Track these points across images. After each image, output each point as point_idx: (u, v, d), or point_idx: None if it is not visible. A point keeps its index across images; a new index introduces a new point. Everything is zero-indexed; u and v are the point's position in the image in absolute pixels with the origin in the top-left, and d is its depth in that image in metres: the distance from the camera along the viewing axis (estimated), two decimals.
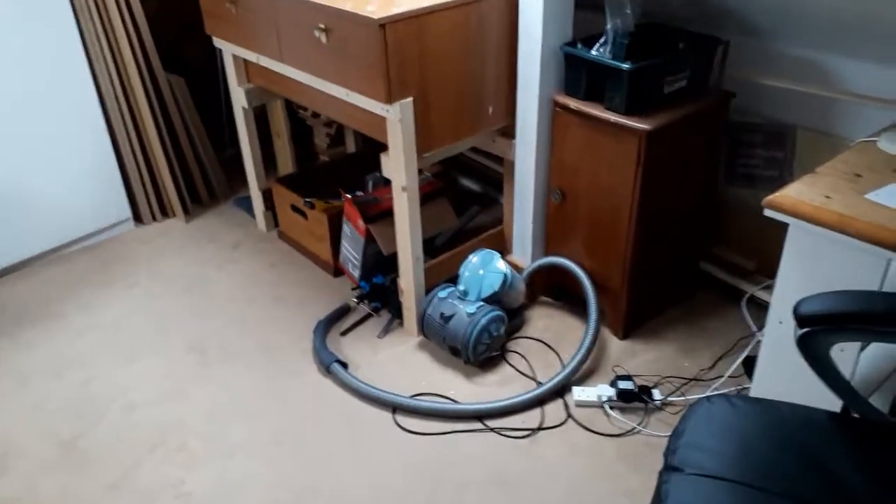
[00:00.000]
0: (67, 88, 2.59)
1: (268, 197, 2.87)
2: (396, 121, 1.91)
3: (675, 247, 2.26)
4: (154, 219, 3.00)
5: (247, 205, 3.08)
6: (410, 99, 1.91)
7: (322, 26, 1.92)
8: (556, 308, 2.42)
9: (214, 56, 3.38)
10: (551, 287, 2.43)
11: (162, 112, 2.86)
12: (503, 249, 2.53)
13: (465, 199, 3.04)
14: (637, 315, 2.25)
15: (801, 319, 1.07)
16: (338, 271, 2.63)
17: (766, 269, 2.33)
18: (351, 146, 3.18)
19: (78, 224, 2.80)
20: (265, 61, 2.31)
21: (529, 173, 2.23)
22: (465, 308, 2.12)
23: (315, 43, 1.98)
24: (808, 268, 1.44)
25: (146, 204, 2.96)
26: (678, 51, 2.01)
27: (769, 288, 2.30)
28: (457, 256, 2.35)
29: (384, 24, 1.76)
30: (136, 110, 2.79)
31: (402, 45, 1.83)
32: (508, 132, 2.26)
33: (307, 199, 2.57)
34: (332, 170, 3.02)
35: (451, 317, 2.12)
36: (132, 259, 2.78)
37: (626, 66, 1.87)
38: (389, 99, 1.86)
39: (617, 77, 1.90)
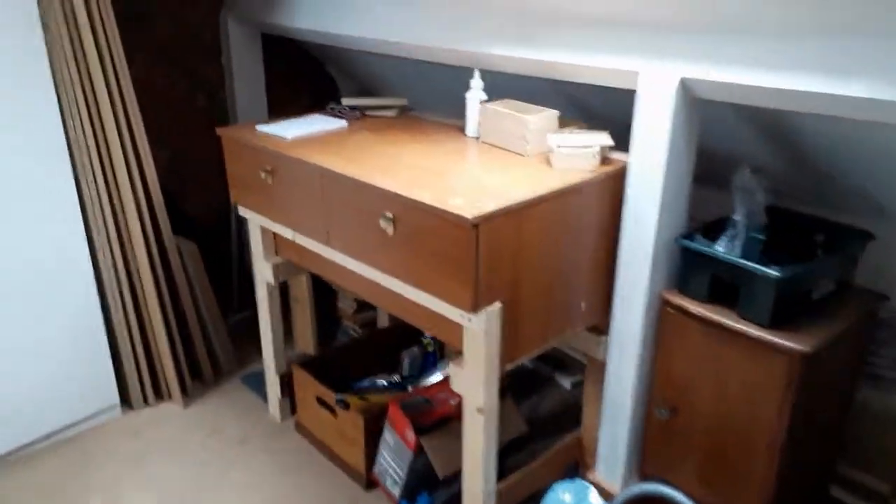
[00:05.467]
0: (56, 246, 2.16)
1: (285, 382, 2.40)
2: (480, 331, 1.50)
3: (809, 472, 1.82)
4: (146, 402, 2.50)
5: (256, 383, 2.60)
6: (499, 305, 1.51)
7: (390, 216, 1.55)
8: None
9: (227, 212, 3.04)
10: None
11: (167, 279, 2.44)
12: (580, 462, 2.07)
13: (523, 379, 2.61)
14: None
15: None
16: (370, 482, 2.13)
17: None
18: (384, 314, 2.76)
19: (51, 414, 2.29)
20: (304, 240, 1.92)
21: (627, 381, 1.81)
22: None
23: (376, 232, 1.60)
24: None
25: (138, 386, 2.47)
26: (829, 249, 1.66)
27: None
28: (531, 478, 1.89)
29: (478, 224, 1.38)
30: (135, 277, 2.36)
31: (497, 246, 1.45)
32: (598, 327, 1.86)
33: (339, 397, 2.10)
34: (361, 347, 2.58)
35: None
36: (116, 460, 2.25)
37: (774, 272, 1.50)
38: (475, 307, 1.46)
39: (759, 283, 1.52)
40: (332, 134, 2.03)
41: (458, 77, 2.01)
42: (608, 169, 1.67)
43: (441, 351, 2.64)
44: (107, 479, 2.18)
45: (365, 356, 2.52)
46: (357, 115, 2.23)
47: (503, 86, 1.97)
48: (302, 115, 2.21)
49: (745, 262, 1.55)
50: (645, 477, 1.90)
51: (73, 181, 2.15)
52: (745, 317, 1.57)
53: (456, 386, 1.63)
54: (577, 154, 1.64)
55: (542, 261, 1.58)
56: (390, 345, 2.56)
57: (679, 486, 1.78)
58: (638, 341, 1.76)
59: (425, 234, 1.50)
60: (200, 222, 2.87)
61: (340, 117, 2.19)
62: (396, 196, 1.52)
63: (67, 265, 2.20)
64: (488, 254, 1.43)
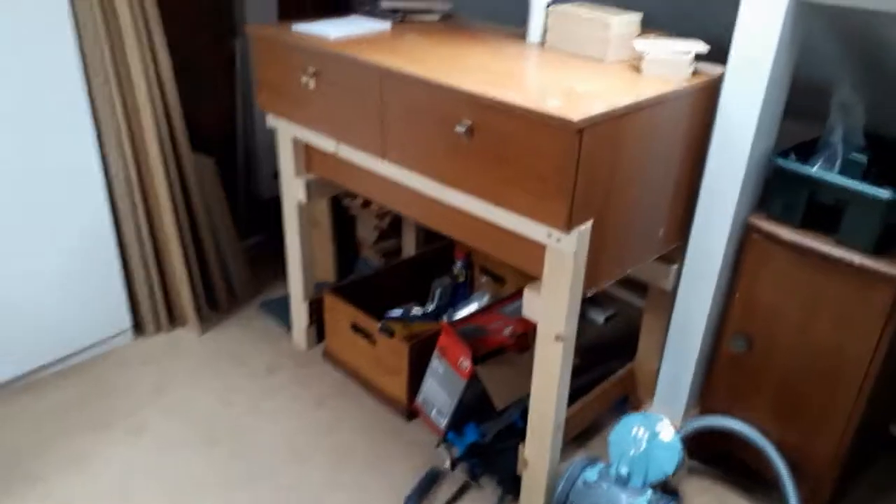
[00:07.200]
0: (64, 159, 1.96)
1: (313, 309, 2.26)
2: (569, 253, 1.36)
3: (881, 409, 1.76)
4: (159, 329, 2.35)
5: (277, 310, 2.46)
6: (590, 224, 1.37)
7: (467, 122, 1.38)
8: (713, 478, 1.86)
9: (233, 126, 2.81)
10: (702, 449, 1.88)
11: (184, 198, 2.24)
12: (630, 396, 1.99)
13: None
14: (836, 499, 1.72)
15: None
16: (412, 413, 2.03)
17: None
18: (410, 244, 2.61)
19: (60, 339, 2.12)
20: (349, 152, 1.74)
21: (699, 312, 1.71)
22: (633, 502, 1.54)
23: (448, 141, 1.43)
24: None
25: (151, 310, 2.30)
26: None
27: None
28: (588, 410, 1.81)
29: (583, 129, 1.22)
30: (150, 194, 2.16)
31: (597, 156, 1.30)
32: (667, 256, 1.74)
33: (384, 325, 1.97)
34: (388, 276, 2.43)
35: None
36: (134, 387, 2.11)
37: (885, 194, 1.38)
38: (569, 225, 1.32)
39: (866, 207, 1.40)
40: (377, 35, 1.83)
41: None
42: (702, 79, 1.51)
43: (472, 281, 2.52)
44: (128, 406, 2.04)
45: (392, 286, 2.38)
46: (398, 18, 2.02)
47: None
48: (338, 15, 1.99)
49: (853, 182, 1.42)
50: (706, 411, 1.83)
51: (84, 85, 1.92)
52: (845, 243, 1.46)
53: (530, 312, 1.50)
54: (670, 61, 1.47)
55: (634, 177, 1.44)
56: (418, 275, 2.43)
57: (748, 421, 1.72)
58: (717, 270, 1.65)
59: (511, 142, 1.34)
60: (206, 133, 2.64)
61: (381, 19, 1.98)
62: (478, 98, 1.34)
63: (76, 179, 1.99)
64: (588, 164, 1.28)
